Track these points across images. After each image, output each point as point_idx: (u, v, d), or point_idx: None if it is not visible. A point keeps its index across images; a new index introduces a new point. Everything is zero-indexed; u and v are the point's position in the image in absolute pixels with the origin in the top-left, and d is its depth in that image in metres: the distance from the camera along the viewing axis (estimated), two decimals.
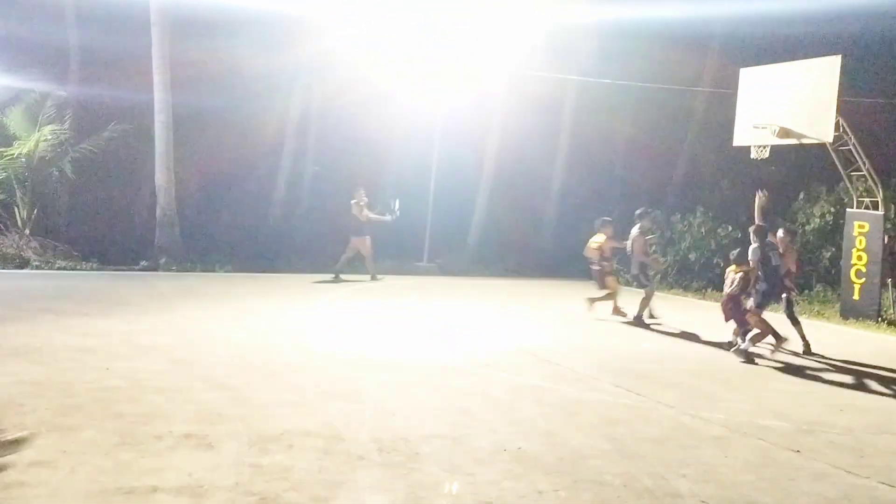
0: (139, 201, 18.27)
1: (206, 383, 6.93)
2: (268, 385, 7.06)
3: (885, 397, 8.13)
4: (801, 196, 18.93)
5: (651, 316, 12.36)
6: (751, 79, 14.27)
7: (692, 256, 18.50)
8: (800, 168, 19.70)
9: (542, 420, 6.43)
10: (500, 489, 4.85)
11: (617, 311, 12.40)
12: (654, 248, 12.38)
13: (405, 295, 14.10)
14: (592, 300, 12.34)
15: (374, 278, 15.56)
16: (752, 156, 14.21)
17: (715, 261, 18.07)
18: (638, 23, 19.81)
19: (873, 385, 8.70)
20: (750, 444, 6.11)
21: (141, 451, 5.09)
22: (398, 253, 18.91)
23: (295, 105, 20.86)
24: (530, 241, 21.42)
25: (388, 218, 15.84)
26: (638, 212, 12.42)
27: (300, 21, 18.39)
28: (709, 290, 17.08)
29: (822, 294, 16.56)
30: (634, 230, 12.27)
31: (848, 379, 8.93)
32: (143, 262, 15.72)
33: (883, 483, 5.38)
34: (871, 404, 7.75)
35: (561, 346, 9.98)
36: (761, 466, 5.60)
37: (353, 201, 15.27)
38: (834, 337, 12.16)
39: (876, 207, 14.07)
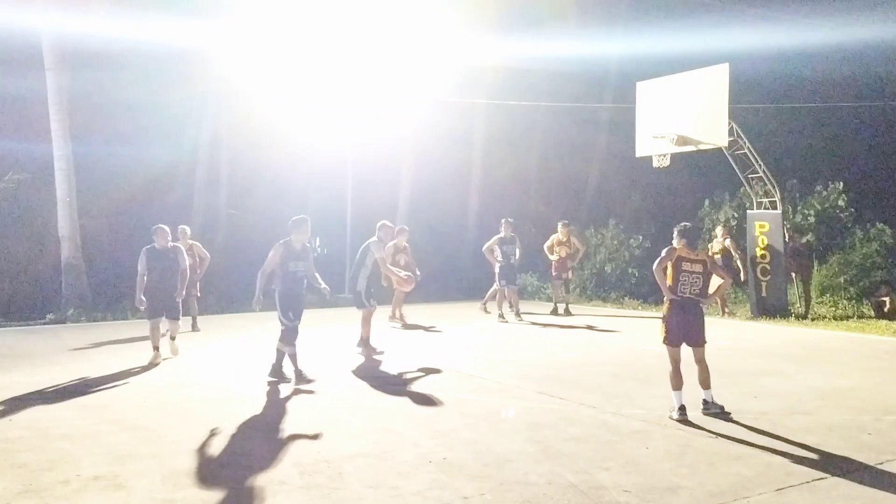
0: (43, 252, 17.50)
1: (117, 426, 6.64)
2: (183, 422, 6.80)
3: (795, 383, 8.42)
4: (707, 203, 19.68)
5: None
6: (647, 91, 14.80)
7: (608, 268, 18.91)
8: (704, 175, 20.48)
9: (467, 430, 6.40)
10: (425, 498, 4.78)
11: None
12: None
13: (328, 325, 13.89)
14: None
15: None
16: (654, 165, 14.71)
17: (630, 271, 18.54)
18: (543, 56, 20.41)
19: (784, 373, 9.02)
20: (669, 435, 6.23)
21: (45, 497, 4.81)
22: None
23: (204, 147, 20.48)
24: (450, 266, 21.52)
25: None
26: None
27: (208, 63, 18.20)
28: (626, 299, 17.48)
29: (733, 295, 17.16)
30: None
31: (760, 369, 9.24)
32: (50, 316, 14.99)
33: (796, 459, 5.56)
34: (783, 390, 8.01)
35: (485, 361, 9.99)
36: (681, 454, 5.71)
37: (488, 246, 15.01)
38: (746, 333, 12.59)
39: (774, 207, 14.72)
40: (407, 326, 13.50)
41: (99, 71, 17.23)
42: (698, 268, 6.84)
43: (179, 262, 10.17)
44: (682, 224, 7.13)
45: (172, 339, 10.32)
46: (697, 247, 7.04)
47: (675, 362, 6.88)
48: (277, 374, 8.60)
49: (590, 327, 13.44)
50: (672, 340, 6.90)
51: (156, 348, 9.88)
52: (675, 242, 6.99)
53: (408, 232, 14.01)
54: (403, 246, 13.69)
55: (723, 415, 6.75)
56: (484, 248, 14.71)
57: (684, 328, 6.85)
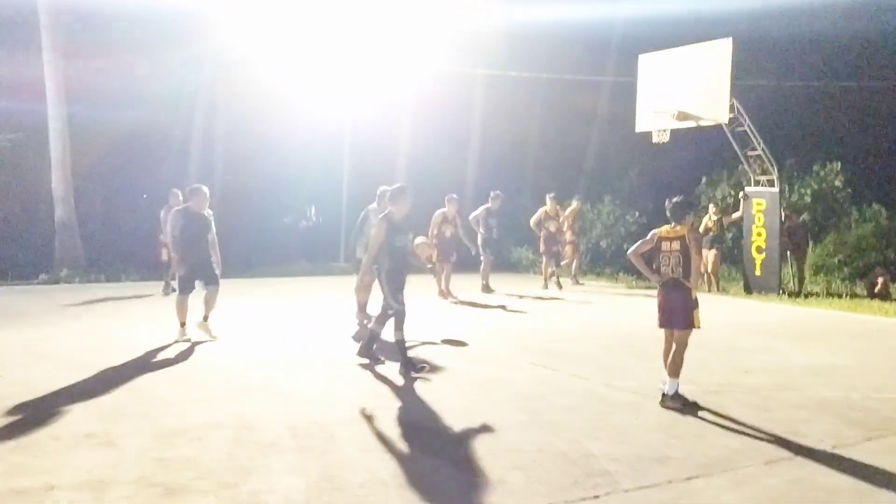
0: (37, 212, 17.42)
1: (109, 385, 6.64)
2: (175, 384, 6.82)
3: (786, 360, 8.46)
4: (703, 180, 19.64)
5: None
6: (649, 65, 14.68)
7: (603, 244, 18.92)
8: (702, 152, 20.39)
9: (459, 399, 6.42)
10: (416, 463, 4.81)
11: None
12: None
13: (323, 292, 13.89)
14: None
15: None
16: (654, 140, 14.63)
17: (625, 246, 18.52)
18: (542, 22, 20.19)
19: (776, 350, 9.06)
20: (660, 408, 6.25)
21: (36, 452, 4.83)
22: (315, 255, 18.92)
23: (201, 111, 20.32)
24: None
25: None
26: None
27: (207, 22, 17.97)
28: (621, 274, 17.51)
29: (726, 272, 17.19)
30: None
31: (752, 346, 9.28)
32: (43, 276, 14.98)
33: (785, 433, 5.59)
34: (774, 366, 8.05)
35: (478, 332, 10.00)
36: (671, 426, 5.74)
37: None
38: (738, 310, 12.63)
39: (772, 185, 14.69)
40: (458, 302, 12.95)
41: (96, 31, 17.04)
42: (676, 245, 6.34)
43: (212, 228, 8.97)
44: (671, 202, 6.55)
45: (206, 318, 8.99)
46: (681, 221, 6.45)
47: (668, 343, 6.59)
48: (367, 354, 7.78)
49: (584, 302, 13.48)
50: (660, 322, 6.60)
51: (183, 324, 8.81)
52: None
53: (457, 201, 13.08)
54: (452, 216, 13.03)
55: (687, 409, 6.15)
56: (471, 216, 14.53)
57: (667, 310, 6.50)
